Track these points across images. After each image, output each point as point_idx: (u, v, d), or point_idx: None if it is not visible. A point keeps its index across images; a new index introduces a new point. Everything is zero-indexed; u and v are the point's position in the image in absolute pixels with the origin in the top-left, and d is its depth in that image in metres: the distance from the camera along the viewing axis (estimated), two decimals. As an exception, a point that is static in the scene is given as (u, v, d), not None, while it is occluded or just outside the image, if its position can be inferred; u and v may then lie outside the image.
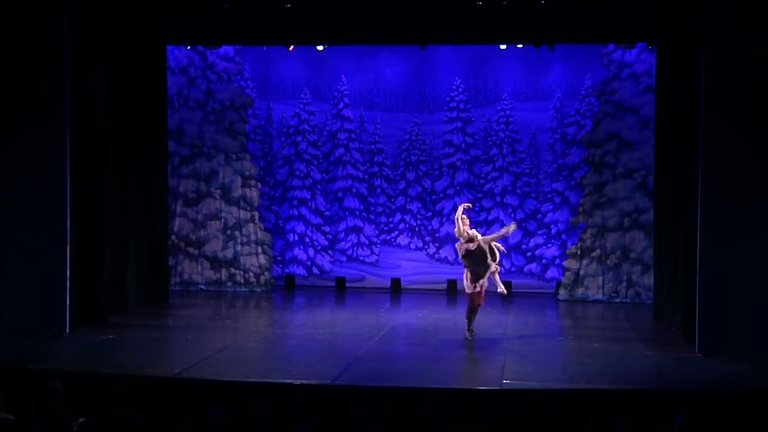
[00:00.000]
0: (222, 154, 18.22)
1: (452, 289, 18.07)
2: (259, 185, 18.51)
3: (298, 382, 10.45)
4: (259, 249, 18.31)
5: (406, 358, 12.44)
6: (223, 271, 18.26)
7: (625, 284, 17.29)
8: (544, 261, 18.24)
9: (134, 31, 14.84)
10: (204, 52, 18.10)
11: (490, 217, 18.43)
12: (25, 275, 13.26)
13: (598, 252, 17.39)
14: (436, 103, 18.61)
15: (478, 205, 18.52)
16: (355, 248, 18.76)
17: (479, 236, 12.93)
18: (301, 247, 18.84)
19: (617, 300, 17.26)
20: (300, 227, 18.81)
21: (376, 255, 18.75)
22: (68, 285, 13.29)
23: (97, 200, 14.15)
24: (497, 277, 13.10)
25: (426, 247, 18.67)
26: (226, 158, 18.23)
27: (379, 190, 18.79)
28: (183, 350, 12.63)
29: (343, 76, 18.69)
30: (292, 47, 17.06)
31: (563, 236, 18.08)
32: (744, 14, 12.09)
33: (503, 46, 16.59)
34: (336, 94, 18.73)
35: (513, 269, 18.33)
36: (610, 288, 17.36)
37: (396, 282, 18.53)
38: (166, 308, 15.94)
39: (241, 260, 18.25)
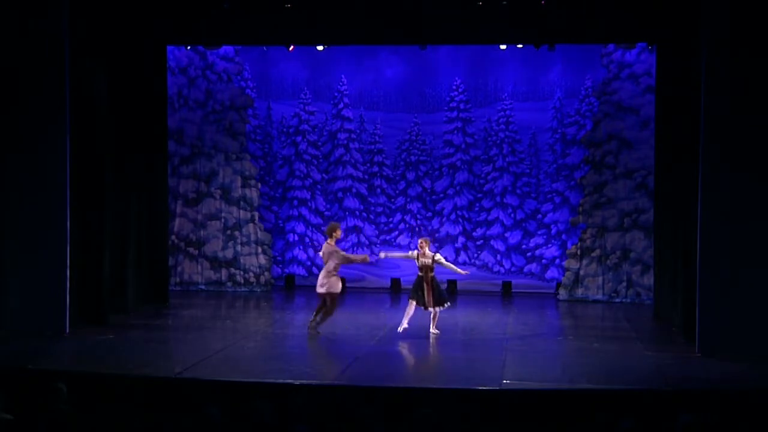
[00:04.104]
0: (222, 154, 18.22)
1: (452, 289, 18.08)
2: (259, 185, 18.52)
3: (298, 382, 10.44)
4: (259, 249, 18.32)
5: (406, 358, 12.44)
6: (223, 271, 18.26)
7: (625, 284, 17.29)
8: (544, 261, 18.25)
9: (134, 31, 14.84)
10: (204, 52, 18.11)
11: (490, 217, 18.44)
12: (25, 275, 13.26)
13: (598, 252, 17.39)
14: (436, 103, 18.61)
15: (478, 205, 18.54)
16: (355, 248, 18.76)
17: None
18: (301, 247, 18.84)
19: (617, 300, 17.26)
20: (300, 227, 18.82)
21: (376, 255, 18.74)
22: (68, 285, 13.29)
23: (97, 200, 14.15)
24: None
25: (426, 247, 18.65)
26: (226, 158, 18.23)
27: (379, 190, 18.79)
28: (183, 350, 12.63)
29: (343, 76, 18.69)
30: (292, 47, 17.07)
31: (563, 236, 18.09)
32: (744, 14, 12.09)
33: (503, 46, 16.60)
34: (336, 94, 18.73)
35: (513, 269, 18.36)
36: (610, 288, 17.36)
37: (396, 282, 18.53)
38: (166, 308, 15.94)
39: (241, 260, 18.25)
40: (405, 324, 13.45)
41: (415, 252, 13.72)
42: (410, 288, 13.82)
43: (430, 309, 13.52)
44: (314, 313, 13.70)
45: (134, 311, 15.16)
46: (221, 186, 18.24)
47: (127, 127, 15.00)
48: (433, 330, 13.54)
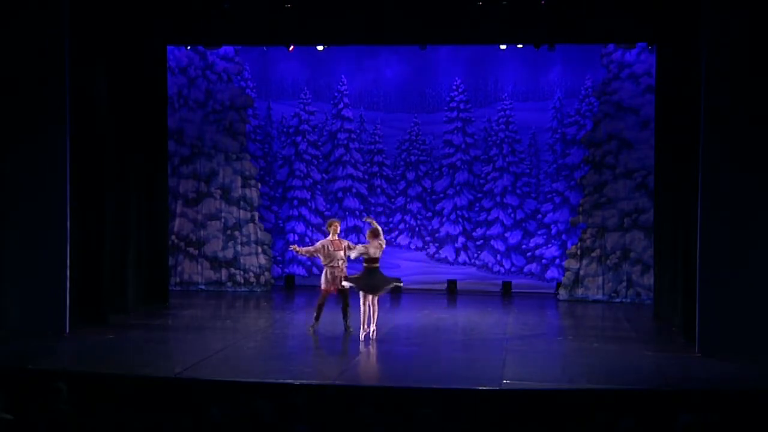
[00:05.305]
0: (222, 154, 18.23)
1: (452, 289, 18.09)
2: (259, 185, 18.52)
3: (298, 382, 10.45)
4: (259, 249, 18.32)
5: (406, 358, 12.44)
6: (223, 271, 18.26)
7: (625, 284, 17.29)
8: (544, 261, 18.24)
9: (134, 31, 14.84)
10: (204, 52, 18.11)
11: (490, 217, 18.44)
12: (25, 276, 13.26)
13: (598, 252, 17.39)
14: (436, 103, 18.61)
15: (478, 205, 18.54)
16: (355, 248, 18.74)
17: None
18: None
19: (617, 300, 17.26)
20: (300, 227, 18.82)
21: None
22: (68, 285, 13.30)
23: (97, 200, 14.16)
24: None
25: (426, 247, 18.67)
26: (226, 158, 18.23)
27: (379, 190, 18.80)
28: (183, 350, 12.64)
29: (343, 76, 18.69)
30: (292, 47, 17.07)
31: (563, 236, 18.09)
32: (744, 14, 12.09)
33: (503, 46, 16.60)
34: (336, 94, 18.73)
35: (513, 269, 18.36)
36: (610, 288, 17.36)
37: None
38: (166, 308, 15.94)
39: (241, 260, 18.25)
40: (368, 328, 13.22)
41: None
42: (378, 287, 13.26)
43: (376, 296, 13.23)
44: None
45: (134, 311, 15.16)
46: (221, 186, 18.25)
47: (127, 127, 15.00)
48: (374, 327, 13.29)
